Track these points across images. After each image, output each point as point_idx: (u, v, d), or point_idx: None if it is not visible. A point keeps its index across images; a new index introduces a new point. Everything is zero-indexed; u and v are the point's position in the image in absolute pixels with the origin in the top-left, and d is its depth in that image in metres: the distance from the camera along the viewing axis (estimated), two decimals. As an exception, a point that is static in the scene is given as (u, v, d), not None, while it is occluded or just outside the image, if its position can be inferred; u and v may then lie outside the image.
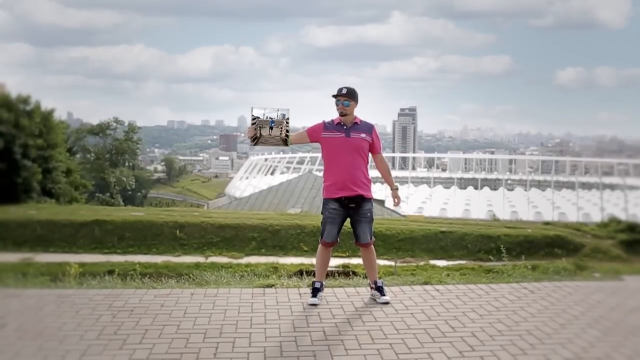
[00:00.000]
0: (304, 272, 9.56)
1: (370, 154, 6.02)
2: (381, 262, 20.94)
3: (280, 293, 6.07)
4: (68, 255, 21.89)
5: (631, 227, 27.65)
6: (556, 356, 4.57)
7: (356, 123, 5.93)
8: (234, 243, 23.44)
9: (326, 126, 5.96)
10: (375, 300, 5.88)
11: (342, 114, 5.86)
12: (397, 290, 6.22)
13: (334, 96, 5.93)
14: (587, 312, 5.69)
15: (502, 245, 23.48)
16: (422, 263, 22.00)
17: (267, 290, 6.15)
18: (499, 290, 6.38)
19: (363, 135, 5.88)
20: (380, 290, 5.90)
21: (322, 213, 6.01)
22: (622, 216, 48.21)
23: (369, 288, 6.09)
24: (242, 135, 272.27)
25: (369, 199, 5.94)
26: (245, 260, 21.87)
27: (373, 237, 6.00)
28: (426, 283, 6.60)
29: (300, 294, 6.00)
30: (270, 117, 5.77)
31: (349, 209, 5.85)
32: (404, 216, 33.66)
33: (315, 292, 5.81)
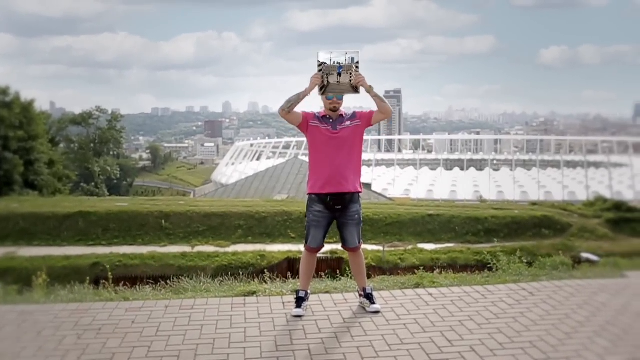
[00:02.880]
0: (290, 273, 9.21)
1: (372, 118, 5.57)
2: (369, 247, 20.84)
3: (262, 303, 5.61)
4: (52, 248, 21.67)
5: (617, 206, 27.74)
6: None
7: (341, 115, 5.56)
8: (221, 231, 23.23)
9: (315, 115, 5.59)
10: (364, 308, 5.47)
11: (333, 109, 5.50)
12: (388, 296, 5.80)
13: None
14: (593, 317, 5.26)
15: (490, 229, 23.62)
16: (410, 247, 21.93)
17: (248, 299, 5.68)
18: (496, 292, 5.96)
19: (348, 123, 5.50)
20: (369, 297, 5.51)
21: (305, 216, 5.60)
22: (607, 194, 48.54)
23: (357, 294, 5.69)
24: (227, 121, 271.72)
25: (357, 201, 5.55)
26: (232, 248, 21.69)
27: (361, 241, 5.61)
28: (418, 285, 6.21)
29: (283, 303, 5.58)
30: (337, 62, 5.40)
31: (335, 211, 5.46)
32: (390, 199, 33.56)
33: (299, 302, 5.41)
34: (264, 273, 7.96)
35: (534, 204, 29.49)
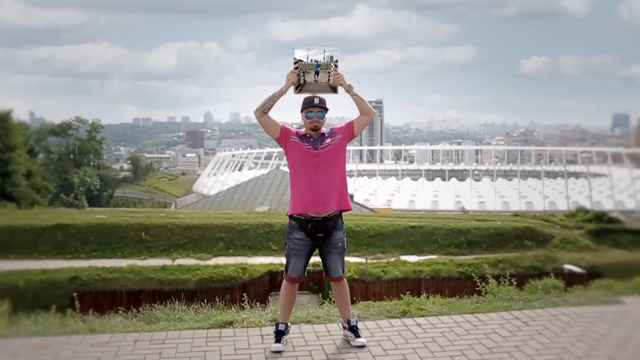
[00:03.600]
0: (272, 287, 8.91)
1: (354, 127, 5.18)
2: (352, 259, 20.68)
3: (239, 335, 5.10)
4: (29, 262, 21.27)
5: (598, 217, 27.84)
6: None
7: (322, 134, 5.14)
8: (202, 244, 22.97)
9: (297, 133, 5.17)
10: (349, 342, 5.02)
11: (314, 129, 5.08)
12: (373, 327, 5.35)
13: (304, 108, 5.10)
14: (593, 350, 4.84)
15: (473, 240, 23.57)
16: (392, 259, 21.81)
17: (225, 331, 5.18)
18: (488, 322, 5.52)
19: (329, 140, 5.10)
20: (354, 330, 5.06)
21: (285, 243, 5.19)
22: (587, 204, 48.86)
23: (341, 326, 5.23)
24: (209, 131, 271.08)
25: (341, 227, 5.16)
26: (214, 261, 21.42)
27: (345, 270, 5.24)
28: (405, 314, 5.74)
29: (262, 336, 5.07)
30: (315, 60, 5.04)
31: (317, 238, 5.06)
32: (373, 210, 33.46)
33: (279, 335, 4.94)
34: (245, 290, 7.67)
35: (515, 214, 29.51)
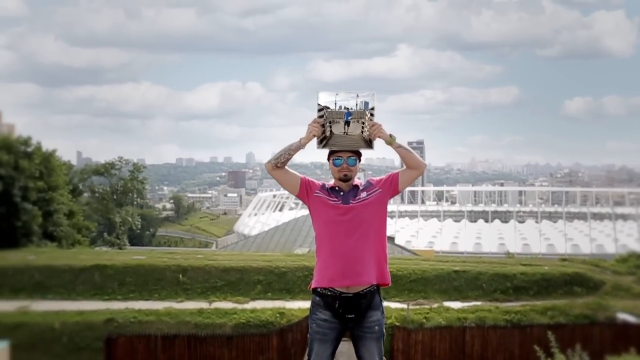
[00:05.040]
0: None
1: (398, 181, 4.30)
2: (393, 304, 20.02)
3: None
4: (66, 303, 21.12)
5: (651, 262, 26.66)
6: None
7: (356, 186, 4.28)
8: (239, 287, 22.56)
9: (323, 186, 4.32)
10: None
11: (344, 178, 4.22)
12: None
13: (332, 153, 4.27)
14: None
15: (519, 286, 22.68)
16: (435, 305, 21.03)
17: None
18: None
19: (364, 194, 4.22)
20: None
21: (309, 323, 4.34)
22: (636, 247, 47.25)
23: None
24: (250, 171, 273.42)
25: (378, 306, 4.26)
26: (251, 305, 20.96)
27: (384, 359, 4.33)
28: None
29: None
30: (345, 107, 4.18)
31: (347, 320, 4.17)
32: (415, 254, 32.73)
33: None
34: (283, 336, 7.19)
35: (563, 259, 28.46)
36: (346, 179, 4.22)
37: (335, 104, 4.21)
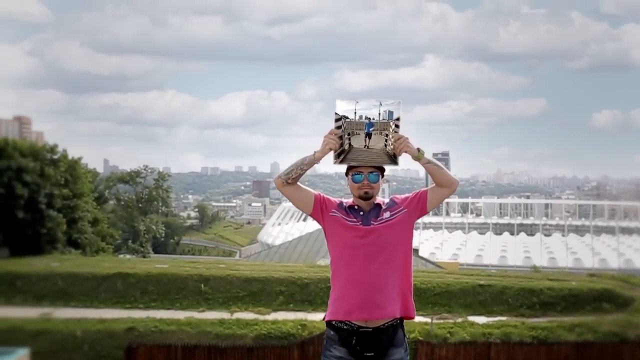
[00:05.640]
0: None
1: (427, 200, 3.89)
2: (416, 318, 19.67)
3: None
4: (88, 310, 21.13)
5: (683, 278, 26.03)
6: None
7: (377, 205, 3.84)
8: (261, 297, 22.40)
9: (341, 204, 3.86)
10: None
11: (365, 197, 3.78)
12: None
13: (351, 168, 3.84)
14: None
15: (545, 302, 22.24)
16: (460, 320, 20.68)
17: None
18: None
19: (387, 215, 3.78)
20: None
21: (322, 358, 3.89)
22: (666, 263, 46.37)
23: None
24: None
25: (401, 343, 3.80)
26: (272, 316, 20.79)
27: None
28: None
29: None
30: (367, 117, 3.73)
31: (366, 358, 3.71)
32: (439, 266, 32.36)
33: None
34: (303, 349, 7.01)
35: (591, 274, 27.90)
36: (367, 197, 3.76)
37: (355, 113, 3.74)
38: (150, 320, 19.96)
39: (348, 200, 3.85)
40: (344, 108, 3.74)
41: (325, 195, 3.90)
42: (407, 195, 3.93)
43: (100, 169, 61.34)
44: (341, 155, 3.75)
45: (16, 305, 21.37)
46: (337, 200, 3.90)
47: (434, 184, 3.88)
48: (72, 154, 32.59)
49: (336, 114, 3.76)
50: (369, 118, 3.74)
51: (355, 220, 3.75)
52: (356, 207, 3.80)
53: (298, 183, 3.86)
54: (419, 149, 3.72)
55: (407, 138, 3.71)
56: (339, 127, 3.74)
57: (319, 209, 3.82)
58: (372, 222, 3.74)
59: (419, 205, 3.86)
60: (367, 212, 3.78)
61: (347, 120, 3.73)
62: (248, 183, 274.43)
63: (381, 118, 3.74)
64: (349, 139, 3.73)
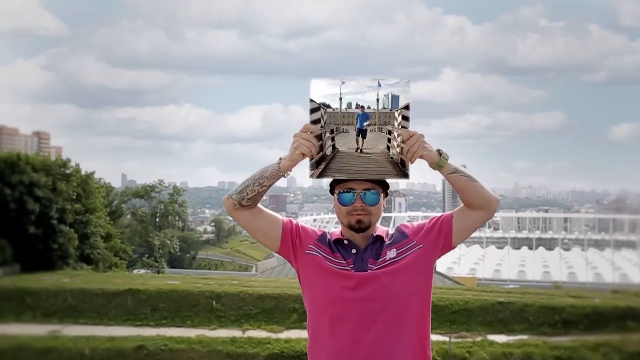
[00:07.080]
0: None
1: (452, 229, 2.67)
2: (434, 337, 19.03)
3: None
4: (98, 328, 20.75)
5: None
6: None
7: (379, 238, 2.66)
8: (274, 315, 21.88)
9: (323, 237, 2.71)
10: None
11: (358, 226, 2.60)
12: None
13: (337, 184, 2.73)
14: None
15: (568, 320, 21.54)
16: (479, 339, 20.03)
17: None
18: None
19: (393, 252, 2.60)
20: None
21: None
22: (690, 278, 45.41)
23: None
24: (292, 195, 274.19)
25: None
26: (286, 334, 20.24)
27: None
28: None
29: None
30: (360, 106, 2.49)
31: None
32: (456, 282, 31.70)
33: None
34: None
35: (615, 291, 27.13)
36: (361, 227, 2.56)
37: (341, 99, 2.47)
38: (160, 339, 19.50)
39: (335, 231, 2.69)
40: (324, 92, 2.48)
41: (300, 224, 2.74)
42: (422, 222, 2.74)
43: (117, 184, 61.32)
44: (321, 163, 2.60)
45: (25, 322, 21.05)
46: (318, 231, 2.72)
47: (463, 205, 2.69)
48: (90, 168, 32.61)
49: (311, 100, 2.52)
50: (363, 107, 2.51)
51: (343, 262, 2.59)
52: (346, 241, 2.66)
53: (259, 205, 2.80)
54: (440, 152, 2.54)
55: (421, 136, 2.49)
56: (316, 122, 2.54)
57: (289, 244, 2.67)
58: (369, 265, 2.58)
59: (441, 237, 2.67)
60: (363, 250, 2.63)
61: (330, 110, 2.52)
62: (265, 197, 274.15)
63: (381, 106, 2.50)
64: (332, 139, 2.55)
